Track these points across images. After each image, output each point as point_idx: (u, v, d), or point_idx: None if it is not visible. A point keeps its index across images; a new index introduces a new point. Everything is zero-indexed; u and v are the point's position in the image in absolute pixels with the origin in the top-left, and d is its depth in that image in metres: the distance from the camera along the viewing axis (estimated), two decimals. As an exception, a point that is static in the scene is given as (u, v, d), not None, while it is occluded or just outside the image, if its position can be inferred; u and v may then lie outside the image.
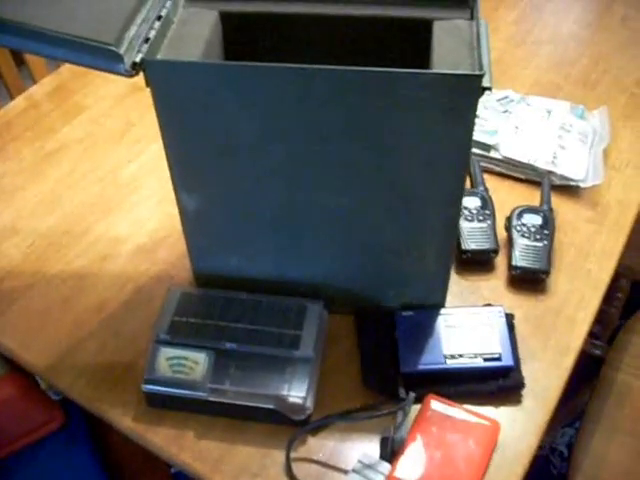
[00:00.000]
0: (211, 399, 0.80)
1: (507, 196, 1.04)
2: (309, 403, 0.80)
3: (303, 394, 0.79)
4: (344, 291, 0.88)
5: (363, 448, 0.80)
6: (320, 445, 0.80)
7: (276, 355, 0.82)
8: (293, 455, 0.79)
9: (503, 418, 0.81)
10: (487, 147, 1.05)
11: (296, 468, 0.78)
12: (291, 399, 0.79)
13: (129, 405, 0.83)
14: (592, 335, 1.53)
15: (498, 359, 0.84)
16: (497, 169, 1.06)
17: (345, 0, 0.79)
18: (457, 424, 0.80)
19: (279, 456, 0.79)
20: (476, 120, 1.09)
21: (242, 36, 0.81)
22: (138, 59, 0.69)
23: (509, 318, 0.88)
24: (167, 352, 0.83)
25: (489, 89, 0.68)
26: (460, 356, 0.84)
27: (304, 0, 0.79)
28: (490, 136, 1.06)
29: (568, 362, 0.87)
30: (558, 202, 1.03)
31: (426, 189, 0.76)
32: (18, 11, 0.68)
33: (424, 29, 0.77)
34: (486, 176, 1.05)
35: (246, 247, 0.86)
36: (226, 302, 0.87)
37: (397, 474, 0.76)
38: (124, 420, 0.82)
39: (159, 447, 0.80)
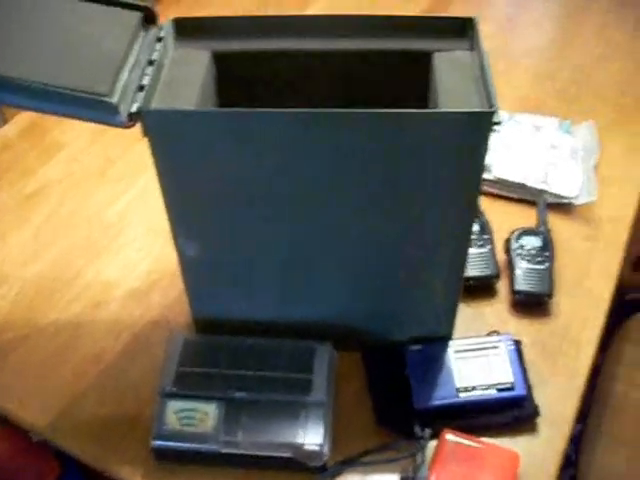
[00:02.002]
0: (224, 451, 0.78)
1: (502, 217, 1.03)
2: (326, 449, 0.78)
3: (320, 440, 0.77)
4: (352, 329, 0.86)
5: (384, 491, 0.78)
6: (342, 491, 0.79)
7: (288, 401, 0.80)
8: (315, 503, 0.77)
9: (521, 448, 0.80)
10: (479, 168, 1.05)
11: (317, 516, 0.76)
12: (308, 446, 0.77)
13: (137, 461, 0.80)
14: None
15: (511, 389, 0.83)
16: (490, 190, 1.06)
17: (340, 34, 0.78)
18: (475, 458, 0.79)
19: (300, 505, 0.77)
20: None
21: (237, 75, 0.79)
22: (134, 109, 0.67)
23: (517, 345, 0.87)
24: (175, 405, 0.80)
25: (499, 123, 0.67)
26: (473, 388, 0.83)
27: (299, 36, 0.77)
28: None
29: (579, 384, 0.87)
30: (552, 220, 1.02)
31: (437, 224, 0.75)
32: (6, 64, 0.65)
33: (423, 61, 0.76)
34: (481, 198, 1.05)
35: (249, 292, 0.83)
36: (231, 348, 0.84)
37: (422, 517, 0.75)
38: (134, 478, 0.79)
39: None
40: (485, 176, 1.04)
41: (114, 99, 0.66)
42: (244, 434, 0.78)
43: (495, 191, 1.05)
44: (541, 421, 0.83)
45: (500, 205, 1.06)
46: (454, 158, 0.69)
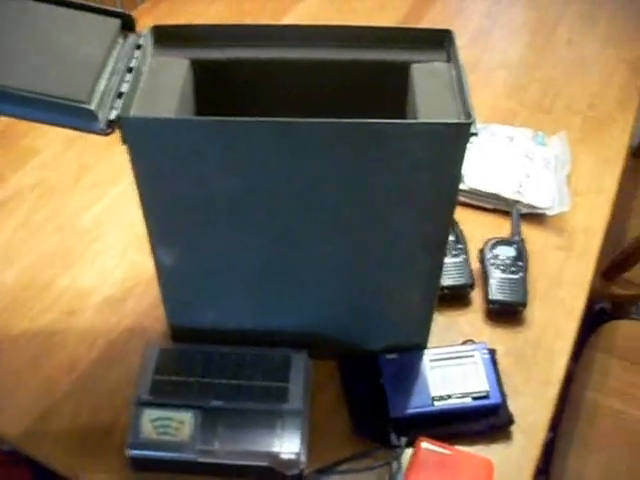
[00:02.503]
0: (201, 460, 0.77)
1: (476, 227, 1.04)
2: (303, 458, 0.78)
3: (296, 449, 0.77)
4: (326, 338, 0.87)
5: (360, 499, 0.79)
6: (317, 499, 0.79)
7: (264, 410, 0.80)
8: (291, 512, 0.77)
9: (495, 456, 0.81)
10: (454, 178, 1.06)
11: (294, 526, 0.76)
12: (284, 455, 0.77)
13: (113, 470, 0.79)
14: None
15: (486, 397, 0.83)
16: (463, 200, 1.07)
17: (318, 44, 0.78)
18: (451, 466, 0.80)
19: (275, 514, 0.77)
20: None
21: (215, 83, 0.79)
22: (113, 116, 0.67)
23: (492, 354, 0.88)
24: (151, 414, 0.79)
25: (476, 134, 0.68)
26: (448, 397, 0.83)
27: (279, 45, 0.77)
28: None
29: (552, 393, 0.88)
30: (526, 231, 1.04)
31: (413, 235, 0.75)
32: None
33: (400, 72, 0.77)
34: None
35: (226, 301, 0.83)
36: (208, 357, 0.84)
37: (398, 525, 0.75)
38: (109, 487, 0.79)
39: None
40: (459, 186, 1.05)
41: (93, 106, 0.66)
42: (221, 443, 0.78)
43: (469, 201, 1.06)
44: (515, 429, 0.84)
45: (474, 215, 1.07)
46: (431, 169, 0.69)
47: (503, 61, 1.36)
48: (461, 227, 1.01)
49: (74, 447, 0.81)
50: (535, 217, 1.05)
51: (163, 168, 0.70)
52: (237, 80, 0.79)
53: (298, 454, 0.77)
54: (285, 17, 1.45)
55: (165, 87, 0.73)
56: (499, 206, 1.05)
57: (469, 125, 0.66)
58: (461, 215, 1.05)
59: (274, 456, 0.77)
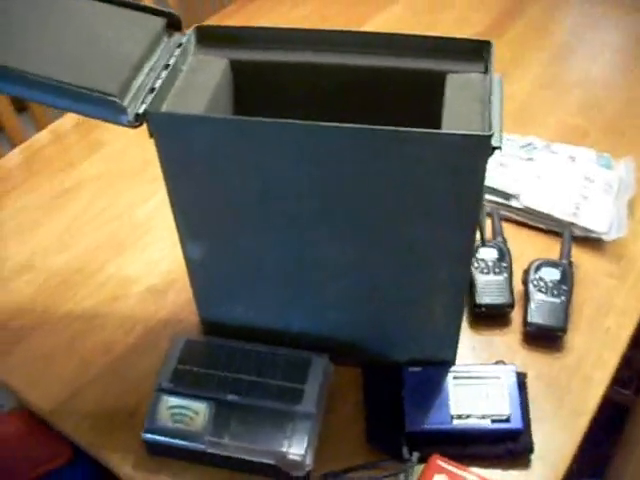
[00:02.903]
0: (210, 451, 0.79)
1: (526, 247, 1.01)
2: (308, 460, 0.78)
3: (302, 451, 0.77)
4: (351, 344, 0.86)
5: (363, 509, 0.78)
6: (320, 504, 0.78)
7: (278, 409, 0.80)
8: (291, 512, 0.78)
9: (510, 483, 0.79)
10: (507, 196, 1.03)
11: (292, 527, 0.76)
12: (290, 456, 0.77)
13: (130, 451, 0.82)
14: (619, 382, 1.48)
15: (507, 421, 0.81)
16: (517, 218, 1.04)
17: (358, 51, 0.78)
18: (462, 487, 0.78)
19: (277, 513, 0.78)
20: (498, 167, 1.07)
21: (255, 84, 0.80)
22: (141, 110, 0.69)
23: (521, 377, 0.85)
24: (169, 401, 0.82)
25: (499, 148, 0.66)
26: (468, 416, 0.81)
27: (317, 50, 0.78)
28: (511, 184, 1.04)
29: (581, 425, 0.84)
30: (579, 254, 1.00)
31: (433, 246, 0.74)
32: (23, 59, 0.69)
33: (438, 82, 0.76)
34: (505, 225, 1.03)
35: (251, 297, 0.84)
36: (231, 352, 0.86)
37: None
38: (124, 467, 0.81)
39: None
40: (513, 204, 1.03)
41: (121, 99, 0.69)
42: (230, 437, 0.79)
43: (523, 220, 1.03)
44: (536, 457, 0.81)
45: (527, 235, 1.03)
46: (450, 180, 0.68)
47: (582, 79, 1.31)
48: (509, 246, 0.98)
49: (98, 425, 0.85)
50: (590, 241, 1.01)
51: (187, 164, 0.72)
52: (275, 81, 0.80)
53: (304, 456, 0.77)
54: (365, 25, 1.45)
55: (200, 85, 0.75)
56: (553, 227, 1.02)
57: (488, 138, 0.64)
58: (513, 233, 1.02)
59: (281, 455, 0.78)
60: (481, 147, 0.65)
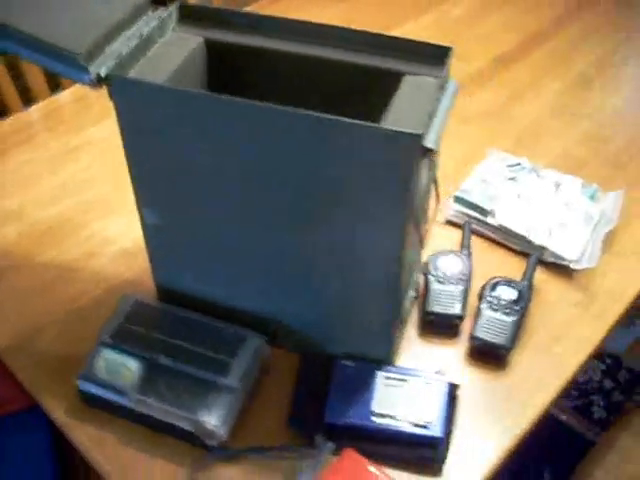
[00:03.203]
0: (135, 408, 0.82)
1: (494, 264, 1.00)
2: (223, 431, 0.80)
3: (218, 422, 0.80)
4: (291, 330, 0.88)
5: (266, 486, 0.80)
6: (226, 474, 0.80)
7: (203, 379, 0.83)
8: (197, 478, 0.80)
9: (417, 488, 0.79)
10: (484, 212, 1.03)
11: (195, 492, 0.79)
12: (206, 425, 0.80)
13: (66, 398, 0.86)
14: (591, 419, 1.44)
15: (426, 427, 0.81)
16: (491, 236, 1.03)
17: (325, 43, 0.80)
18: (369, 484, 0.79)
19: (185, 475, 0.80)
20: (480, 183, 1.07)
21: (226, 64, 0.83)
22: (103, 72, 0.73)
23: (453, 388, 0.85)
24: (107, 354, 0.85)
25: (431, 150, 0.67)
26: (389, 416, 0.82)
27: (292, 40, 0.80)
28: (489, 201, 1.04)
29: (509, 445, 0.83)
30: (546, 279, 0.99)
31: (363, 244, 0.76)
32: (7, 14, 0.74)
33: (395, 80, 0.77)
34: (480, 241, 1.03)
35: (200, 268, 0.87)
36: (174, 318, 0.89)
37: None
38: (56, 411, 0.86)
39: (81, 443, 0.83)
40: (489, 220, 1.02)
41: (87, 60, 0.73)
42: (156, 398, 0.82)
43: (496, 237, 1.03)
44: (452, 468, 0.81)
45: (499, 253, 1.03)
46: (381, 176, 0.69)
47: (593, 111, 1.29)
48: (476, 260, 0.98)
49: (44, 368, 0.89)
50: (560, 268, 1.00)
51: (142, 130, 0.76)
52: (244, 64, 0.83)
53: (218, 426, 0.80)
54: (389, 32, 1.46)
55: (170, 58, 0.78)
56: (525, 249, 1.01)
57: (418, 137, 0.65)
58: (485, 250, 1.03)
59: (198, 423, 0.80)
60: (412, 146, 0.66)
